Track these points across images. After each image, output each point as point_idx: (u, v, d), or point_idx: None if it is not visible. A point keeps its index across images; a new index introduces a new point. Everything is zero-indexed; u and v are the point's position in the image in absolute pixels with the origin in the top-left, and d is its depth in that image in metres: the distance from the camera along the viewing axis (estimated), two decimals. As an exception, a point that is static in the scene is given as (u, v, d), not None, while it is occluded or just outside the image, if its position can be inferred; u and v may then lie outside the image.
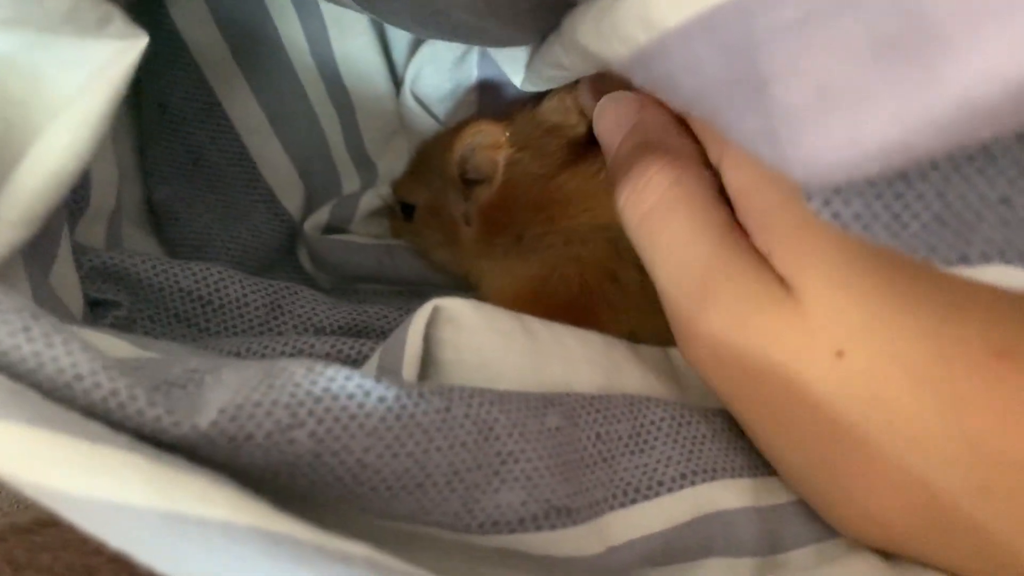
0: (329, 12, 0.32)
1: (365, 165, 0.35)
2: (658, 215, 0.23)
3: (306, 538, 0.13)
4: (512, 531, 0.19)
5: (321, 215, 0.34)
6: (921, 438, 0.18)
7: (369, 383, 0.17)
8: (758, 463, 0.22)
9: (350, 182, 0.35)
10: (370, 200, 0.35)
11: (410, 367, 0.22)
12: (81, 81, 0.19)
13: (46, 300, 0.22)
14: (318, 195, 0.35)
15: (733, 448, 0.22)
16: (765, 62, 0.14)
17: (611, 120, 0.27)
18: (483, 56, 0.33)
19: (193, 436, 0.15)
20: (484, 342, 0.22)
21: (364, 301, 0.30)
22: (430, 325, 0.22)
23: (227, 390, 0.16)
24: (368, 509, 0.17)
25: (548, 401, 0.21)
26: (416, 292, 0.35)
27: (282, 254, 0.35)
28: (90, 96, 0.20)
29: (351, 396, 0.17)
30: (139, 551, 0.13)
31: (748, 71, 0.15)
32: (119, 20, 0.20)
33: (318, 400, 0.16)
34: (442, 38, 0.30)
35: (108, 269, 0.25)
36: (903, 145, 0.13)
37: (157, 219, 0.32)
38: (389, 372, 0.22)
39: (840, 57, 0.13)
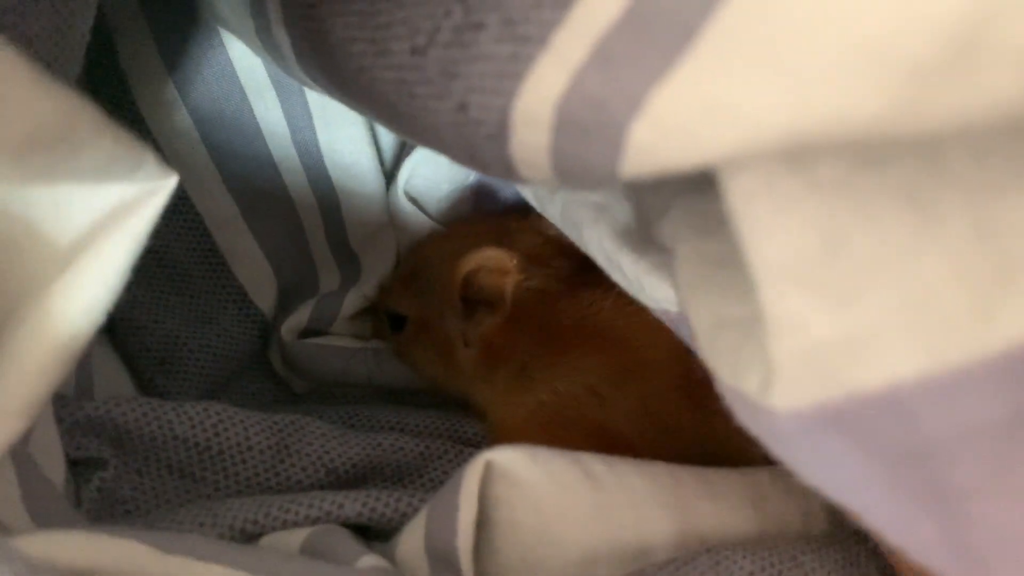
0: (314, 99, 0.30)
1: (347, 259, 0.32)
2: None
3: None
4: None
5: (299, 318, 0.31)
6: None
7: None
8: None
9: (329, 277, 0.32)
10: (353, 301, 0.32)
11: (465, 537, 0.20)
12: (84, 230, 0.16)
13: (32, 482, 0.18)
14: (292, 291, 0.32)
15: None
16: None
17: None
18: None
19: None
20: (543, 498, 0.20)
21: (368, 428, 0.28)
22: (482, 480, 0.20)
23: None
24: None
25: None
26: (402, 399, 0.33)
27: (254, 358, 0.32)
28: (108, 249, 0.16)
29: None
30: None
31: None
32: (151, 161, 0.16)
33: None
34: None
35: (92, 421, 0.21)
36: None
37: (115, 332, 0.28)
38: (444, 558, 0.19)
39: None
